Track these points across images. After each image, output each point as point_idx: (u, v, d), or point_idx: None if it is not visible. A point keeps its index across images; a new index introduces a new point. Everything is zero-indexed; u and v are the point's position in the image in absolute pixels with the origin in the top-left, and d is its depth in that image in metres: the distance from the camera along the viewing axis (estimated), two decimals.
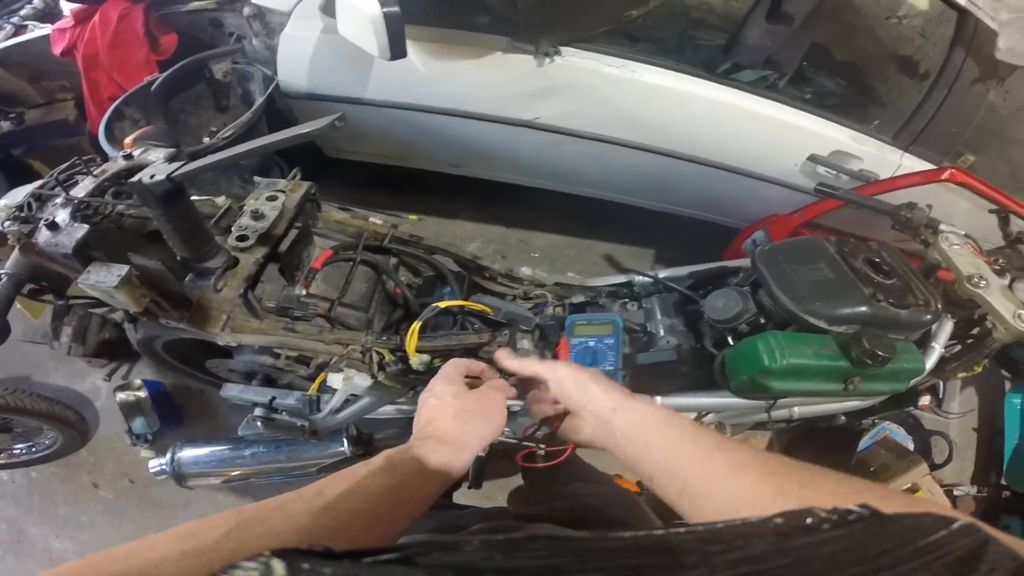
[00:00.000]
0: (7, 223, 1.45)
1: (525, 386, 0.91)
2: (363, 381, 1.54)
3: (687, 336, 1.69)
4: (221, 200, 1.64)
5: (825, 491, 0.57)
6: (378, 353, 1.57)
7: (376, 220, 1.90)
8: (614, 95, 2.49)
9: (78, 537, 2.47)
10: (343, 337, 1.55)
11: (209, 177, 1.64)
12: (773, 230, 2.52)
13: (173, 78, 2.58)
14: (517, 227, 3.63)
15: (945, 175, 2.30)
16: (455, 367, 0.90)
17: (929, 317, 1.42)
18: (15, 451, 2.54)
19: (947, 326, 1.56)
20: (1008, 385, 2.87)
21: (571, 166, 2.92)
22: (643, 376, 1.62)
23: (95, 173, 1.56)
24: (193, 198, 1.43)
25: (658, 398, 1.64)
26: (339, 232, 1.86)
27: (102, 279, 1.23)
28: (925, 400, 1.92)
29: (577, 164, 2.89)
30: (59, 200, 1.46)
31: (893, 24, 2.56)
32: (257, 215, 1.56)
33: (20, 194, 1.52)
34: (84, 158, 1.62)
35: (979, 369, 1.68)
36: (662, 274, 1.87)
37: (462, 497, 1.88)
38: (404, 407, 1.87)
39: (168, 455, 1.89)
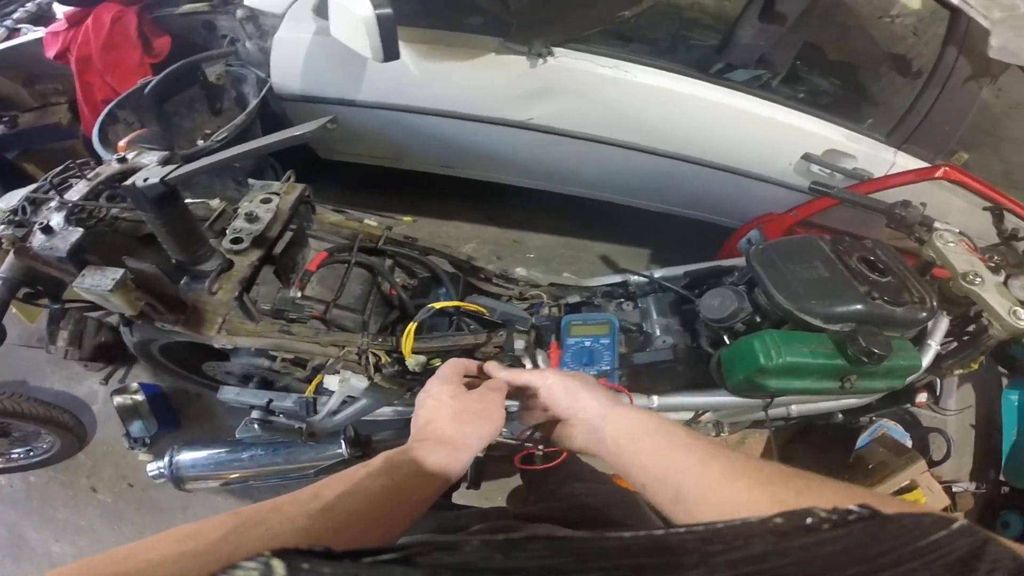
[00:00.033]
0: (1, 227, 1.44)
1: (518, 393, 0.91)
2: (360, 383, 1.54)
3: (683, 335, 1.69)
4: (215, 203, 1.63)
5: (822, 499, 0.57)
6: (374, 355, 1.57)
7: (371, 222, 1.90)
8: (607, 95, 2.50)
9: (77, 541, 2.45)
10: (339, 339, 1.55)
11: (203, 180, 1.63)
12: (768, 229, 2.52)
13: (167, 81, 2.58)
14: (512, 228, 3.63)
15: (939, 173, 2.31)
16: (453, 367, 0.89)
17: (925, 315, 1.42)
18: (13, 455, 2.52)
19: (943, 323, 1.57)
20: (1005, 381, 2.87)
21: (565, 167, 2.92)
22: (640, 376, 1.62)
23: (89, 176, 1.55)
24: (187, 201, 1.43)
25: (655, 398, 1.64)
26: (334, 234, 1.86)
27: (97, 283, 1.22)
28: (922, 397, 1.93)
29: (571, 165, 2.89)
30: (53, 204, 1.45)
31: (886, 23, 2.57)
32: (251, 218, 1.55)
33: (14, 198, 1.51)
34: (78, 161, 1.61)
35: (976, 366, 1.69)
36: (657, 274, 1.87)
37: (461, 498, 1.88)
38: (401, 408, 1.88)
39: (166, 458, 1.89)
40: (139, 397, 2.55)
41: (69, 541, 2.46)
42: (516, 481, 2.45)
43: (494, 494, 2.35)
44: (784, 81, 2.55)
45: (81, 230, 1.34)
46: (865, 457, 2.69)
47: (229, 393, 1.77)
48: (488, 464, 1.69)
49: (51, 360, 2.78)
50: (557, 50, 2.40)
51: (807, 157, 2.52)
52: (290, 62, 2.57)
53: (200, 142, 2.72)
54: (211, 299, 1.43)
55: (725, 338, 1.50)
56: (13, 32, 2.94)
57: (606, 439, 0.77)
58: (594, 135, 2.64)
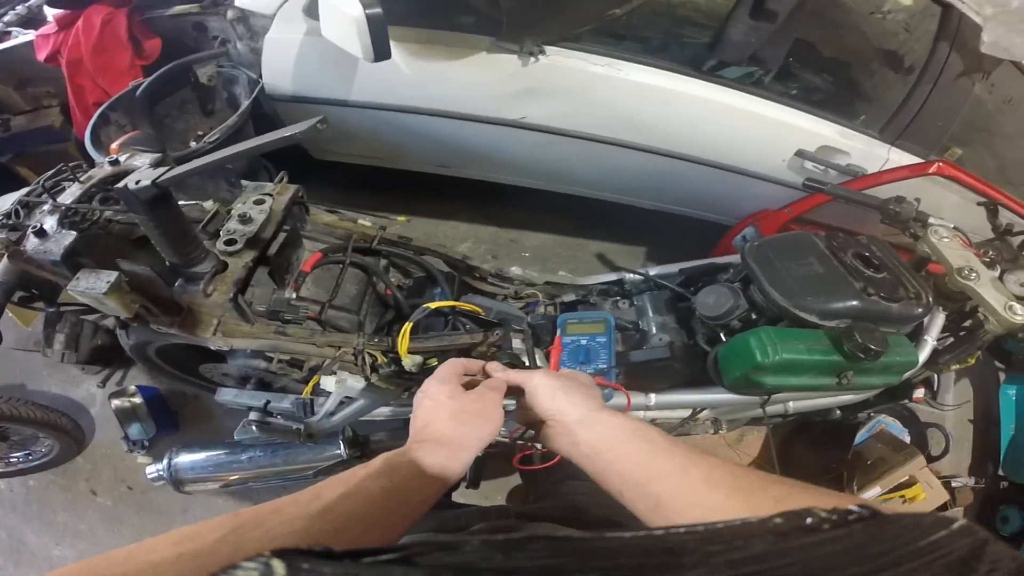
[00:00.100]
0: None
1: (513, 393, 0.91)
2: (356, 383, 1.53)
3: (679, 333, 1.69)
4: (208, 204, 1.63)
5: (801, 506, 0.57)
6: (371, 355, 1.56)
7: (365, 222, 1.89)
8: (600, 94, 2.49)
9: (77, 544, 2.45)
10: (335, 340, 1.55)
11: (196, 181, 1.63)
12: (763, 226, 2.53)
13: (158, 83, 2.58)
14: (507, 227, 3.63)
15: (933, 169, 2.31)
16: (450, 368, 0.89)
17: (920, 310, 1.42)
18: (12, 459, 2.52)
19: (939, 319, 1.58)
20: (1002, 376, 2.88)
21: (559, 165, 2.92)
22: (637, 374, 1.62)
23: (82, 179, 1.55)
24: (180, 203, 1.42)
25: (652, 396, 1.65)
26: (328, 235, 1.85)
27: (91, 286, 1.22)
28: (920, 393, 1.94)
29: (565, 163, 2.89)
30: (46, 207, 1.45)
31: (877, 19, 2.57)
32: (245, 219, 1.55)
33: (7, 201, 1.51)
34: (71, 164, 1.61)
35: (972, 361, 1.70)
36: (653, 271, 1.88)
37: (460, 497, 1.88)
38: (399, 408, 1.87)
39: (165, 461, 1.88)
40: (137, 400, 2.54)
41: (69, 544, 2.45)
42: (516, 480, 2.46)
43: (494, 493, 2.36)
44: (777, 78, 2.55)
45: (74, 233, 1.34)
46: (863, 453, 2.70)
47: (227, 395, 1.76)
48: (487, 463, 1.69)
49: (48, 363, 2.77)
50: (549, 48, 2.39)
51: (801, 154, 2.53)
52: (281, 63, 2.57)
53: (192, 144, 2.72)
54: (206, 301, 1.42)
55: (721, 335, 1.50)
56: (4, 35, 2.93)
57: (580, 444, 0.77)
58: (587, 133, 2.64)
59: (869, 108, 2.59)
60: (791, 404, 1.79)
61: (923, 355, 1.53)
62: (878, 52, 2.59)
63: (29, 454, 2.53)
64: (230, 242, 1.50)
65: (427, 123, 2.67)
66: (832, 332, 1.34)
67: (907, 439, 2.82)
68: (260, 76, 2.62)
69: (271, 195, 1.64)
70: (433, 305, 1.64)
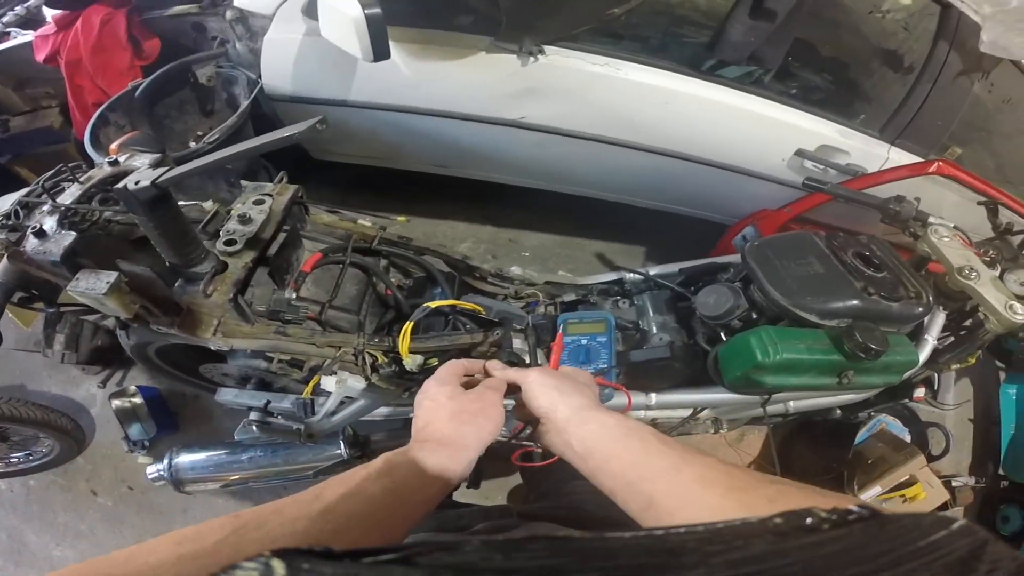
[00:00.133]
0: None
1: (512, 391, 0.91)
2: (357, 384, 1.53)
3: (679, 333, 1.69)
4: (208, 205, 1.63)
5: (794, 506, 0.57)
6: (371, 355, 1.56)
7: (365, 222, 1.89)
8: (599, 93, 2.49)
9: (78, 545, 2.45)
10: (335, 340, 1.55)
11: (195, 182, 1.63)
12: (763, 225, 2.53)
13: (157, 83, 2.58)
14: (507, 227, 3.63)
15: (932, 168, 2.31)
16: (449, 368, 0.89)
17: (921, 309, 1.42)
18: (12, 460, 2.52)
19: (939, 318, 1.58)
20: (1002, 376, 2.89)
21: (559, 165, 2.92)
22: (637, 373, 1.62)
23: (81, 180, 1.54)
24: (180, 203, 1.42)
25: (653, 395, 1.65)
26: (328, 235, 1.85)
27: (91, 286, 1.22)
28: (920, 392, 1.94)
29: (565, 163, 2.89)
30: (46, 207, 1.44)
31: (876, 19, 2.57)
32: (245, 219, 1.55)
33: (7, 202, 1.51)
34: (70, 165, 1.61)
35: (973, 360, 1.70)
36: (653, 271, 1.88)
37: (461, 496, 1.88)
38: (399, 408, 1.87)
39: (165, 461, 1.89)
40: (137, 400, 2.55)
41: (70, 545, 2.46)
42: (516, 480, 2.46)
43: (494, 493, 2.35)
44: (776, 77, 2.55)
45: (74, 234, 1.33)
46: (864, 452, 2.70)
47: (227, 395, 1.76)
48: (488, 463, 1.69)
49: (48, 364, 2.77)
50: (548, 48, 2.39)
51: (800, 153, 2.53)
52: (280, 63, 2.57)
53: (192, 144, 2.72)
54: (206, 301, 1.42)
55: (722, 335, 1.50)
56: (3, 36, 2.93)
57: (572, 442, 0.76)
58: (587, 133, 2.64)
59: (869, 107, 2.59)
60: (792, 403, 1.79)
61: (923, 354, 1.53)
62: (877, 51, 2.59)
63: (29, 454, 2.53)
64: (230, 242, 1.50)
65: (427, 123, 2.67)
66: (832, 331, 1.34)
67: (907, 438, 2.82)
68: (259, 76, 2.62)
69: (271, 195, 1.64)
70: (434, 304, 1.64)
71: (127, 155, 1.61)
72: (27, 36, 2.83)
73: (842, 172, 2.49)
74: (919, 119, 2.45)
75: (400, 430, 1.99)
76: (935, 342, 1.57)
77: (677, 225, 3.26)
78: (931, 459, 2.76)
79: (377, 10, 1.95)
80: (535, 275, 1.97)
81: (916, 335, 1.56)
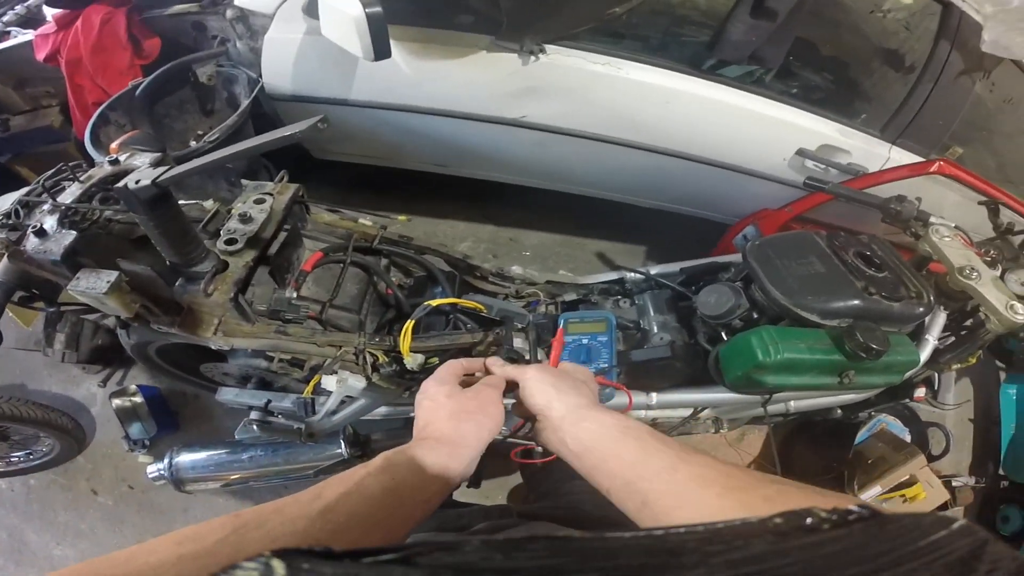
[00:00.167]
0: None
1: (511, 388, 0.91)
2: (358, 383, 1.53)
3: (680, 332, 1.69)
4: (209, 204, 1.62)
5: (792, 506, 0.56)
6: (372, 354, 1.56)
7: (365, 221, 1.89)
8: (600, 93, 2.49)
9: (78, 544, 2.45)
10: (336, 339, 1.54)
11: (196, 181, 1.63)
12: (763, 225, 2.53)
13: (157, 82, 2.58)
14: (508, 226, 3.62)
15: (934, 167, 2.31)
16: (449, 368, 0.89)
17: (922, 309, 1.42)
18: (13, 459, 2.52)
19: (940, 318, 1.57)
20: (1003, 376, 2.89)
21: (560, 164, 2.92)
22: (638, 373, 1.62)
23: (82, 179, 1.55)
24: (180, 202, 1.42)
25: (654, 395, 1.64)
26: (328, 234, 1.85)
27: (92, 285, 1.22)
28: (921, 392, 1.93)
29: (566, 162, 2.89)
30: (46, 207, 1.44)
31: (877, 18, 2.56)
32: (245, 218, 1.55)
33: (7, 201, 1.51)
34: (71, 164, 1.61)
35: (973, 360, 1.70)
36: (654, 270, 1.87)
37: (461, 496, 1.88)
38: (400, 407, 1.87)
39: (166, 460, 1.89)
40: (138, 399, 2.55)
41: (70, 544, 2.46)
42: (516, 479, 2.46)
43: (494, 492, 2.35)
44: (777, 77, 2.55)
45: (74, 233, 1.33)
46: (864, 452, 2.70)
47: (227, 394, 1.76)
48: (488, 461, 1.69)
49: (48, 363, 2.77)
50: (549, 47, 2.39)
51: (801, 152, 2.52)
52: (281, 62, 2.57)
53: (192, 143, 2.72)
54: (206, 300, 1.42)
55: (722, 334, 1.50)
56: (3, 35, 2.93)
57: (567, 440, 0.76)
58: (587, 132, 2.64)
59: (870, 107, 2.59)
60: (792, 403, 1.79)
61: (924, 354, 1.53)
62: (879, 51, 2.58)
63: (30, 453, 2.53)
64: (230, 241, 1.50)
65: (427, 122, 2.67)
66: (833, 331, 1.34)
67: (908, 438, 2.82)
68: (260, 75, 2.62)
69: (271, 194, 1.64)
70: (435, 303, 1.64)
71: (127, 154, 1.61)
72: (27, 35, 2.83)
73: (843, 171, 2.49)
74: (920, 119, 2.44)
75: (400, 429, 1.99)
76: (936, 342, 1.56)
77: (678, 224, 3.26)
78: (931, 459, 2.76)
79: (378, 9, 1.94)
80: (536, 274, 1.97)
81: (917, 335, 1.56)
